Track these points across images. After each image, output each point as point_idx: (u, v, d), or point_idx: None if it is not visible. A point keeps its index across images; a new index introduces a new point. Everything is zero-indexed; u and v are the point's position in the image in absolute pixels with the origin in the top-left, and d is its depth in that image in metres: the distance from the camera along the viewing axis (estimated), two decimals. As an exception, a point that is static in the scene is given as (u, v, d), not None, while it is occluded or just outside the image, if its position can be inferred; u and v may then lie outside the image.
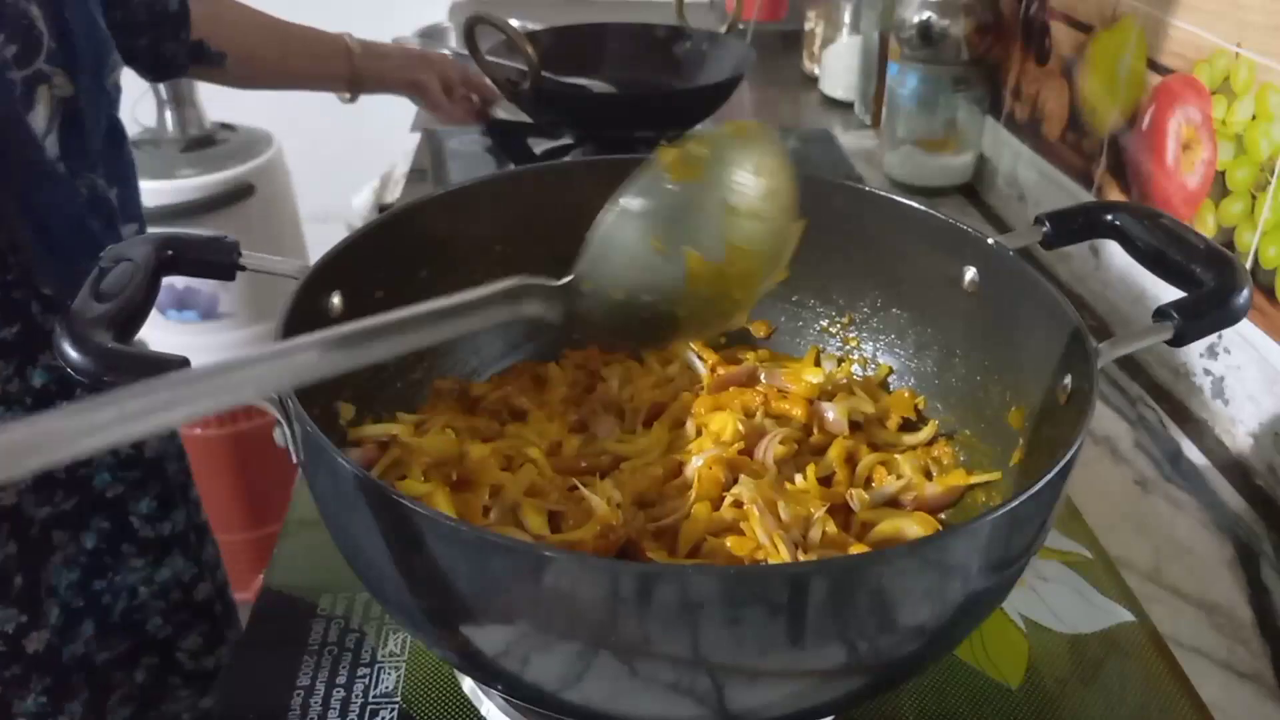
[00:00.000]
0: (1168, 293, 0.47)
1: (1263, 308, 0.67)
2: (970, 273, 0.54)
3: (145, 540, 0.80)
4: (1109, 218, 0.51)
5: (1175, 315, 0.44)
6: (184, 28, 0.86)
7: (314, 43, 0.99)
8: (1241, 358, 0.70)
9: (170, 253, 0.45)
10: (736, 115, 1.29)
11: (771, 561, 0.45)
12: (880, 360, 0.61)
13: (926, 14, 1.03)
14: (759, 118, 1.32)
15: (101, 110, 0.71)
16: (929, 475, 0.55)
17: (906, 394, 0.59)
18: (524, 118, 1.11)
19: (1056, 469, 0.38)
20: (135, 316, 0.41)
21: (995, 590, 0.41)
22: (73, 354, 0.38)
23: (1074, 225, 0.52)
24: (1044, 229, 0.51)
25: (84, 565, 0.75)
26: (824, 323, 0.63)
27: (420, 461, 0.50)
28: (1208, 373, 0.74)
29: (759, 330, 0.64)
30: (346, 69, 1.00)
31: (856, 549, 0.47)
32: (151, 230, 0.50)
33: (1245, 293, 0.45)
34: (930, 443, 0.57)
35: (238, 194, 1.41)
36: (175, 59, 0.87)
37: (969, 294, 0.54)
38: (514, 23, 1.03)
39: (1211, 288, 0.46)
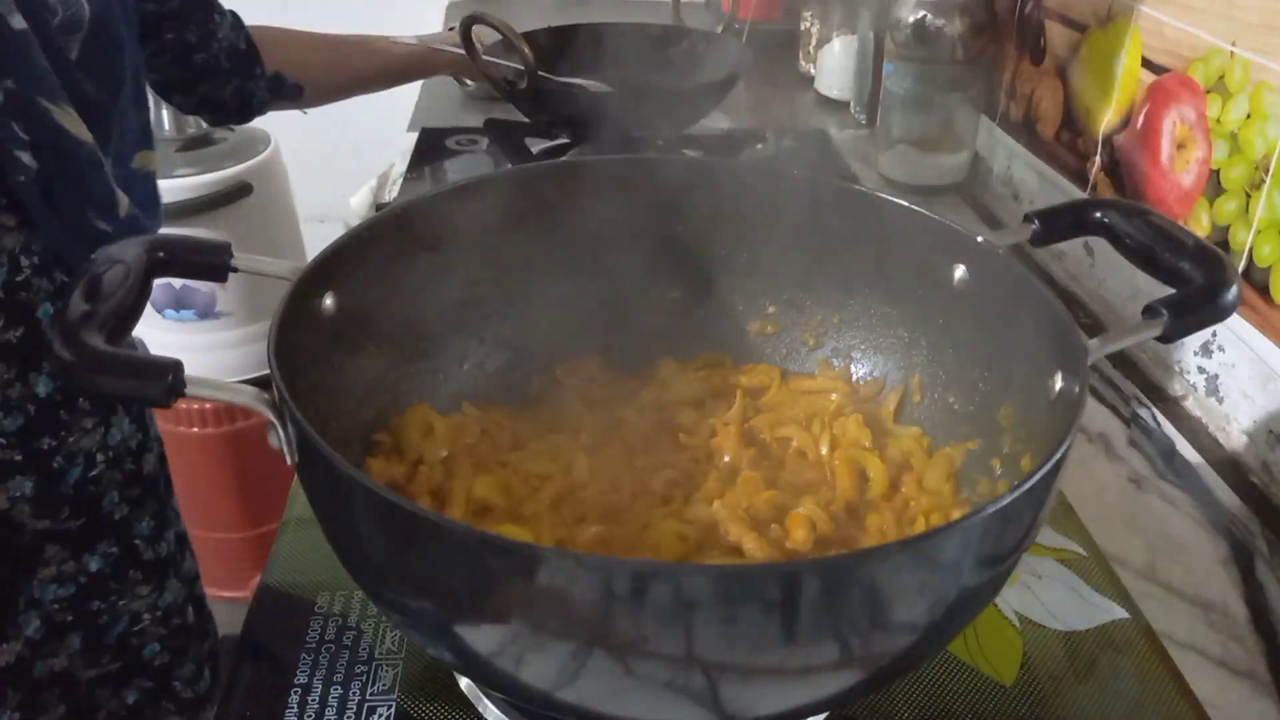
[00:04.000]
0: (1163, 290, 0.47)
1: (1256, 305, 0.68)
2: (960, 270, 0.54)
3: (148, 564, 0.77)
4: (1098, 215, 0.51)
5: (1164, 312, 0.44)
6: (258, 63, 0.88)
7: (361, 47, 1.00)
8: (1235, 355, 0.70)
9: (162, 254, 0.45)
10: (732, 115, 1.29)
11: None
12: (871, 358, 0.62)
13: (922, 13, 1.03)
14: (754, 117, 1.32)
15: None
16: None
17: (916, 432, 0.58)
18: (521, 117, 1.11)
19: (1048, 466, 0.38)
20: (127, 318, 0.41)
21: (987, 587, 0.41)
22: (64, 356, 0.37)
23: (1063, 223, 0.52)
24: (1033, 226, 0.52)
25: (82, 585, 0.73)
26: (815, 320, 0.63)
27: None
28: (1202, 370, 0.74)
29: (765, 328, 0.64)
30: (398, 65, 1.01)
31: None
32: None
33: (1234, 289, 0.45)
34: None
35: (235, 193, 1.40)
36: (256, 96, 0.89)
37: (959, 292, 0.54)
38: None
39: (1200, 284, 0.46)
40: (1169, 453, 0.72)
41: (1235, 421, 0.71)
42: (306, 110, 0.99)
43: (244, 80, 0.87)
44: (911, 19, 1.04)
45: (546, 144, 1.12)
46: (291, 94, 0.92)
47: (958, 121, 1.08)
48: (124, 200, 0.67)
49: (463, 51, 1.01)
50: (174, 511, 0.83)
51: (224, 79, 0.86)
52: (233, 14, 0.87)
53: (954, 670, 0.53)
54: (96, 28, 0.64)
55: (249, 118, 0.92)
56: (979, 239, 0.53)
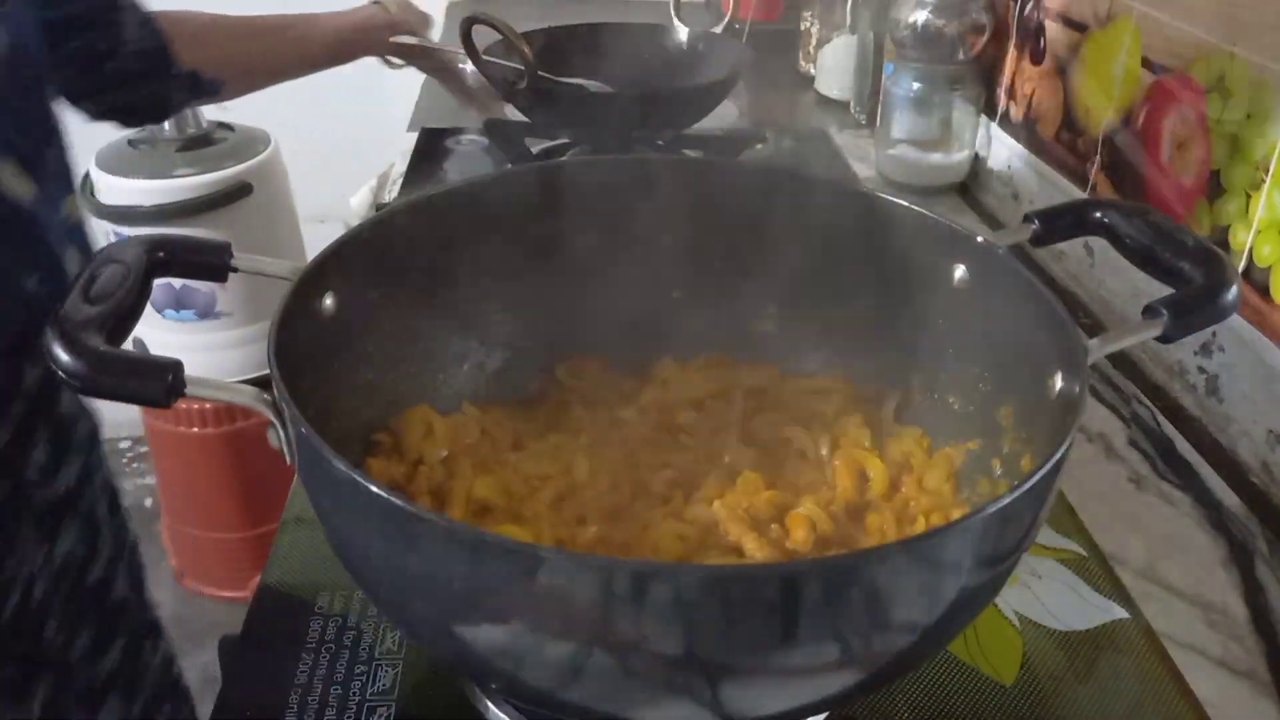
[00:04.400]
0: (1163, 290, 0.47)
1: (1256, 306, 0.68)
2: (960, 270, 0.54)
3: (83, 691, 0.64)
4: (1098, 215, 0.51)
5: (1164, 312, 0.44)
6: (171, 62, 0.81)
7: (284, 34, 0.93)
8: (1235, 356, 0.70)
9: (162, 254, 0.45)
10: (732, 115, 1.29)
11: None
12: (871, 358, 0.61)
13: (922, 13, 1.03)
14: (754, 117, 1.32)
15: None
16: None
17: (916, 432, 0.58)
18: (521, 117, 1.11)
19: (1048, 466, 0.38)
20: (127, 319, 0.41)
21: (987, 587, 0.41)
22: (64, 357, 0.37)
23: (1062, 223, 0.52)
24: (1033, 226, 0.52)
25: None
26: (816, 320, 0.63)
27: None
28: (1202, 370, 0.74)
29: (765, 328, 0.64)
30: (323, 51, 0.95)
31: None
32: (144, 231, 0.50)
33: (1234, 289, 0.45)
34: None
35: (235, 193, 1.41)
36: (173, 98, 0.84)
37: (959, 292, 0.54)
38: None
39: (1200, 284, 0.46)
40: (1169, 452, 0.72)
41: (1235, 421, 0.71)
42: (226, 105, 0.93)
43: (157, 82, 0.80)
44: (911, 19, 1.04)
45: (546, 144, 1.12)
46: (209, 90, 0.85)
47: (957, 121, 1.08)
48: (72, 258, 0.58)
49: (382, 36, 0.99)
50: (130, 614, 0.70)
51: (136, 83, 0.78)
52: (134, 5, 0.78)
53: (954, 670, 0.53)
54: (11, 60, 0.54)
55: (164, 119, 0.87)
56: (979, 239, 0.53)
